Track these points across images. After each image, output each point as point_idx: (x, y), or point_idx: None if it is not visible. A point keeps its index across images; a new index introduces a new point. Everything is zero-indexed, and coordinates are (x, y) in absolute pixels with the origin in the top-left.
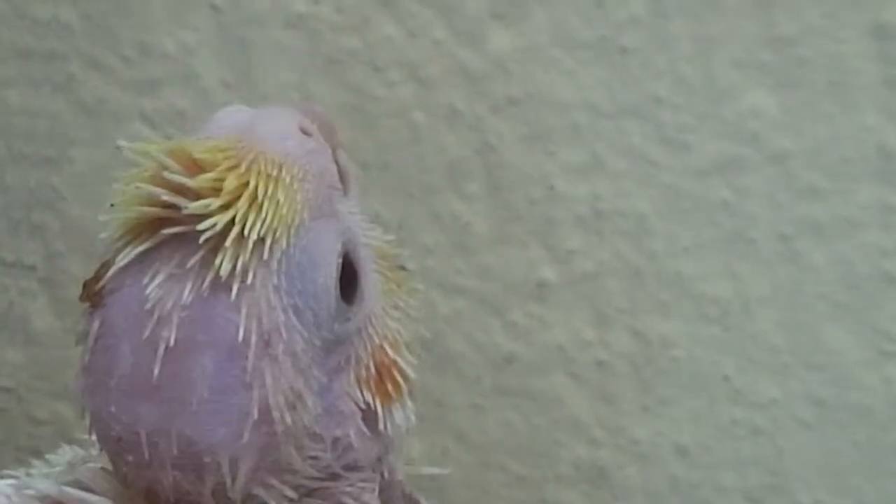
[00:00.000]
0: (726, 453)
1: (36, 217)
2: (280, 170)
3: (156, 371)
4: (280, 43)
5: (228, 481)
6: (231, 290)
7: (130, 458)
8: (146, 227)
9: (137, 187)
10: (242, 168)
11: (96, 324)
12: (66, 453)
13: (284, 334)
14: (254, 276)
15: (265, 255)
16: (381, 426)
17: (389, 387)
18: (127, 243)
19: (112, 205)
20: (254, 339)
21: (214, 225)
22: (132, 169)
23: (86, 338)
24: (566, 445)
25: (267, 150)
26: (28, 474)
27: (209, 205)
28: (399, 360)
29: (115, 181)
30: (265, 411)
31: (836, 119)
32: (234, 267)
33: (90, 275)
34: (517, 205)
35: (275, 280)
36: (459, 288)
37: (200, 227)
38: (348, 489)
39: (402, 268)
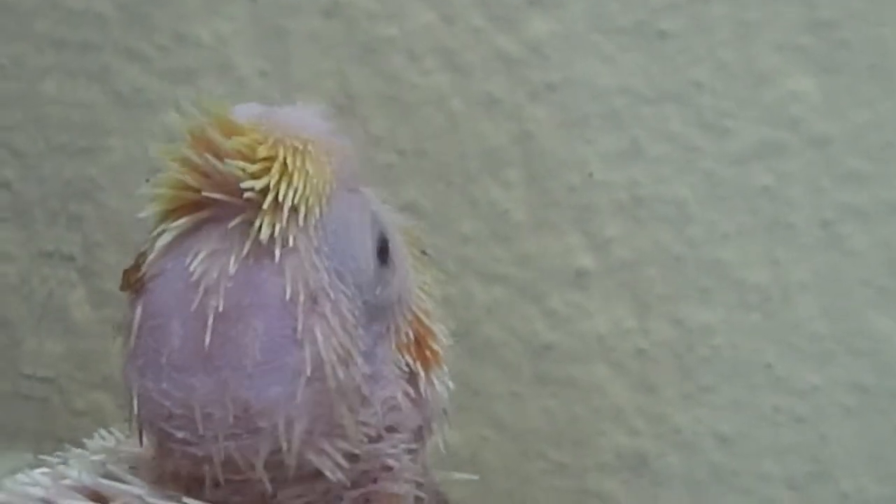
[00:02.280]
0: (768, 441)
1: (73, 207)
2: (306, 144)
3: (207, 340)
4: (316, 31)
5: (284, 444)
6: (273, 254)
7: (181, 436)
8: (183, 209)
9: (176, 161)
10: (270, 142)
11: (139, 309)
12: (102, 439)
13: (331, 294)
14: (294, 241)
15: (301, 222)
16: (422, 391)
17: (428, 353)
18: (165, 226)
19: (147, 180)
20: (301, 297)
21: (252, 188)
22: (167, 150)
23: (129, 326)
24: (607, 434)
25: (290, 129)
26: (64, 462)
27: (245, 168)
28: (434, 328)
29: (151, 170)
30: (317, 367)
31: (878, 103)
32: (274, 232)
33: (129, 264)
34: (556, 192)
35: (315, 243)
36: (498, 276)
37: (244, 185)
38: (391, 451)
39: (424, 253)
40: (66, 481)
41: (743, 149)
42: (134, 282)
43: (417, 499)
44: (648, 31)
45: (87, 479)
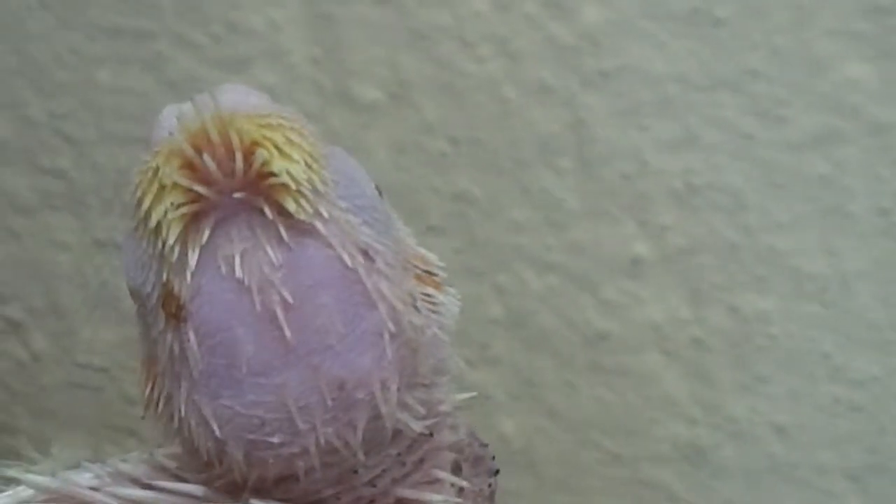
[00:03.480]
0: (826, 432)
1: (127, 196)
2: (270, 119)
3: (287, 333)
4: (368, 18)
5: (383, 409)
6: (312, 230)
7: (276, 440)
8: (193, 221)
9: (173, 184)
10: (249, 128)
11: (191, 334)
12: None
13: (377, 247)
14: (323, 210)
15: (320, 189)
16: (446, 318)
17: (437, 277)
18: (190, 245)
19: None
20: (358, 260)
21: (279, 172)
22: (142, 182)
23: (183, 354)
24: (662, 424)
25: (247, 113)
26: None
27: (264, 157)
28: (425, 251)
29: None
30: (397, 321)
31: None
32: (305, 209)
33: (158, 300)
34: (609, 180)
35: (340, 205)
36: (552, 264)
37: (275, 168)
38: (441, 395)
39: None
40: (120, 473)
41: (799, 136)
42: (175, 310)
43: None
44: (703, 18)
45: (142, 473)
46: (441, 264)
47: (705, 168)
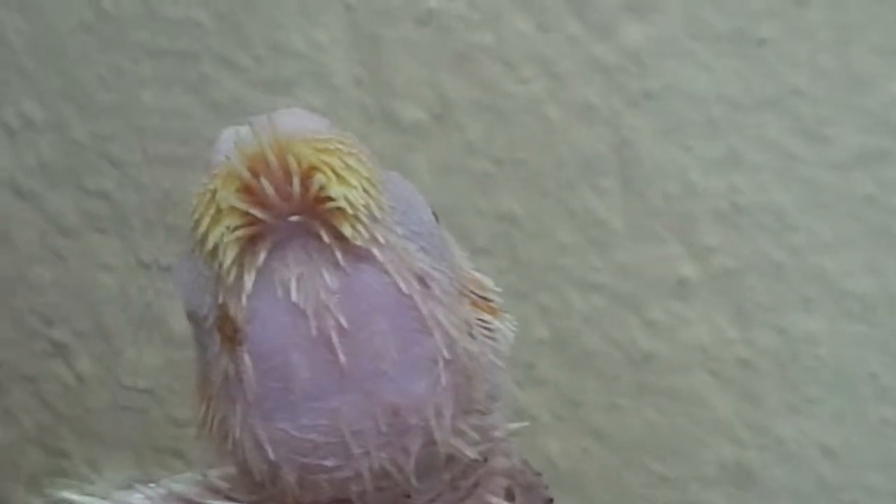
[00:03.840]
0: (875, 453)
1: (171, 217)
2: (328, 144)
3: (341, 358)
4: (411, 39)
5: (437, 435)
6: (368, 255)
7: (330, 463)
8: (249, 245)
9: (230, 208)
10: (303, 154)
11: (246, 357)
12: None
13: (433, 274)
14: (381, 235)
15: (377, 214)
16: (501, 344)
17: (491, 303)
18: (246, 268)
19: (199, 247)
20: (414, 287)
21: (337, 197)
22: (199, 205)
23: (238, 378)
24: (709, 445)
25: (305, 137)
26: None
27: (322, 182)
28: (481, 276)
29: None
30: (451, 348)
31: None
32: (361, 234)
33: (213, 322)
34: (654, 200)
35: (399, 231)
36: (596, 285)
37: (332, 193)
38: (493, 422)
39: None
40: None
41: (844, 156)
42: (231, 333)
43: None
44: (746, 38)
45: (194, 493)
46: (497, 289)
47: (750, 188)
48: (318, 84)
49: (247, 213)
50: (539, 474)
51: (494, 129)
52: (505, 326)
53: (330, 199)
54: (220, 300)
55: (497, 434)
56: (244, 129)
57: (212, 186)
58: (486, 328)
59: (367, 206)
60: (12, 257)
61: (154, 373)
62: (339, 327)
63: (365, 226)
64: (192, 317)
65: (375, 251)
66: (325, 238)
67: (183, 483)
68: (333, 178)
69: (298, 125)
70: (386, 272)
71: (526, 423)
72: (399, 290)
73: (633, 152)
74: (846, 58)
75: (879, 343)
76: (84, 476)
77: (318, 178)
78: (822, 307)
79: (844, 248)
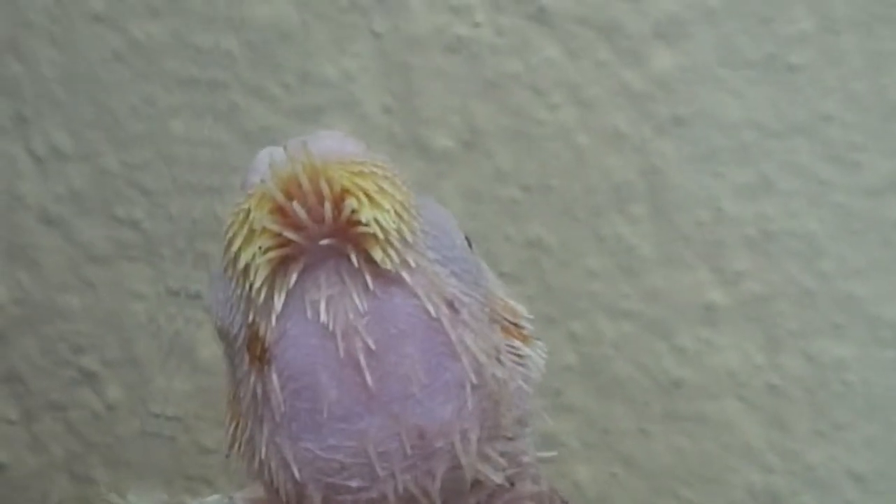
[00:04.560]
0: None
1: (200, 245)
2: (363, 167)
3: (368, 380)
4: (441, 67)
5: (463, 459)
6: (398, 280)
7: (355, 484)
8: (281, 266)
9: (263, 229)
10: (336, 178)
11: (274, 377)
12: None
13: (463, 299)
14: (412, 259)
15: (408, 239)
16: (532, 371)
17: (523, 330)
18: (276, 289)
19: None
20: (443, 311)
21: (368, 222)
22: (233, 224)
23: (266, 397)
24: (738, 471)
25: (340, 160)
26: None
27: (353, 206)
28: (515, 303)
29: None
30: (479, 373)
31: None
32: (391, 258)
33: (243, 341)
34: (684, 227)
35: (430, 255)
36: (626, 312)
37: (364, 217)
38: (524, 445)
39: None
40: None
41: (875, 182)
42: (260, 353)
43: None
44: (777, 64)
45: None
46: (529, 316)
47: (781, 214)
48: (347, 112)
49: (279, 235)
50: (566, 502)
51: (523, 156)
52: (536, 353)
53: (362, 222)
54: (250, 320)
55: (525, 459)
56: (279, 151)
57: (246, 206)
58: (516, 354)
59: (398, 231)
60: (42, 285)
61: (183, 400)
62: (368, 349)
63: (396, 250)
64: (222, 334)
65: (405, 275)
66: (356, 261)
67: None
68: (366, 201)
69: (334, 148)
70: (415, 296)
71: (555, 453)
72: (428, 314)
73: (662, 179)
74: (877, 84)
75: None
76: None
77: (351, 202)
78: (851, 333)
79: (875, 274)
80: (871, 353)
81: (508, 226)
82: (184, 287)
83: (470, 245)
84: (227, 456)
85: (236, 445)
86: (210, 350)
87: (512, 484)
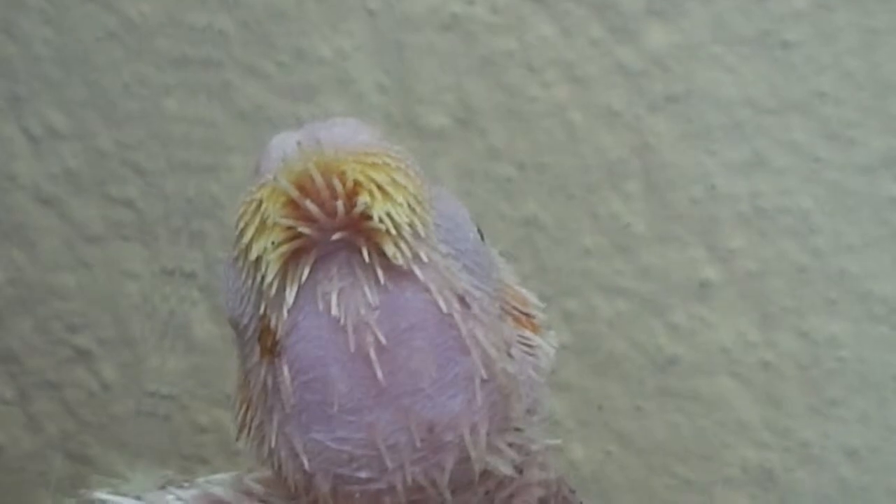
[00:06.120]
0: None
1: (195, 225)
2: (376, 158)
3: (378, 374)
4: (435, 45)
5: (472, 452)
6: (410, 273)
7: (364, 475)
8: (293, 258)
9: (274, 223)
10: (349, 171)
11: (285, 368)
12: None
13: (474, 293)
14: (423, 254)
15: (420, 233)
16: (542, 361)
17: (535, 321)
18: (288, 281)
19: (242, 256)
20: (454, 306)
21: (378, 218)
22: (245, 214)
23: (276, 388)
24: (733, 448)
25: (354, 151)
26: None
27: (369, 200)
28: (526, 293)
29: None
30: (489, 367)
31: None
32: (405, 253)
33: (254, 332)
34: (677, 204)
35: (441, 249)
36: (620, 289)
37: (376, 212)
38: (533, 435)
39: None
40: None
41: (868, 159)
42: (271, 345)
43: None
44: (771, 41)
45: (229, 497)
46: (541, 305)
47: (774, 191)
48: (341, 91)
49: (291, 228)
50: (573, 491)
51: (517, 134)
52: (546, 343)
53: (374, 217)
54: (262, 311)
55: (534, 448)
56: (293, 140)
57: (259, 196)
58: (526, 345)
59: (411, 224)
60: (36, 265)
61: (178, 379)
62: (378, 343)
63: (408, 244)
64: (233, 324)
65: (417, 269)
66: (367, 255)
67: (218, 485)
68: (379, 195)
69: (347, 137)
70: (427, 290)
71: (557, 441)
72: (439, 308)
73: (656, 156)
74: (871, 61)
75: None
76: (119, 475)
77: (363, 197)
78: (845, 310)
79: (868, 250)
80: (865, 330)
81: (503, 204)
82: (178, 266)
83: (482, 236)
84: (237, 440)
85: (246, 430)
86: (205, 329)
87: (520, 472)
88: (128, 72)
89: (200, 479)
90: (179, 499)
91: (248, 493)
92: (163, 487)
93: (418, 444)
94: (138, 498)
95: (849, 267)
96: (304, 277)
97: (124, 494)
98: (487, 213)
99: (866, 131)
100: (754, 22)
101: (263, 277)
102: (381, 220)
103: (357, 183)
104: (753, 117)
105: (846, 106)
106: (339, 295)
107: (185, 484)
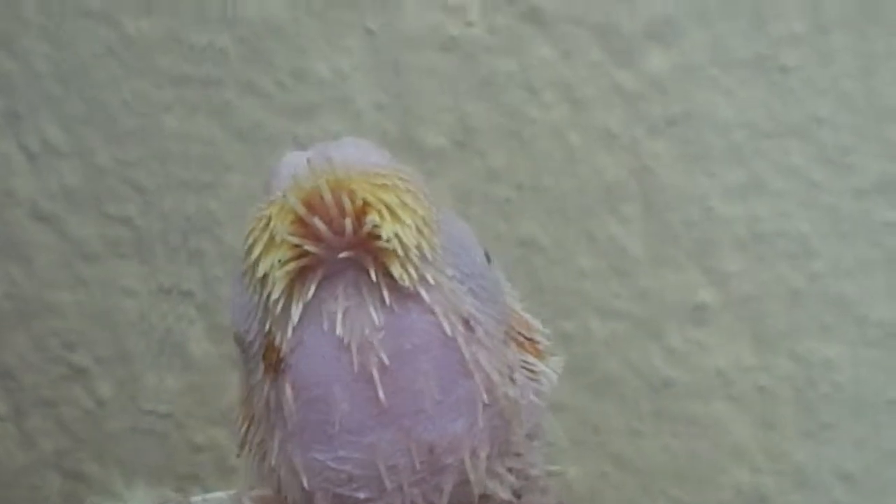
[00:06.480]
0: (892, 479)
1: (193, 243)
2: (386, 180)
3: (381, 394)
4: (433, 66)
5: (471, 475)
6: (416, 296)
7: (363, 496)
8: (300, 276)
9: (282, 240)
10: (358, 191)
11: (288, 386)
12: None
13: (479, 317)
14: (430, 276)
15: (428, 255)
16: (544, 386)
17: (539, 346)
18: (294, 298)
19: (250, 274)
20: (458, 329)
21: (388, 237)
22: (254, 230)
23: (278, 405)
24: (727, 471)
25: (364, 171)
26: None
27: (378, 220)
28: (530, 318)
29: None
30: (491, 392)
31: None
32: (411, 274)
33: (259, 349)
34: (674, 226)
35: (448, 272)
36: (616, 311)
37: (384, 233)
38: (533, 459)
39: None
40: None
41: (865, 184)
42: (275, 362)
43: None
44: (769, 65)
45: None
46: (545, 331)
47: (771, 214)
48: (340, 110)
49: (299, 246)
50: None
51: (516, 155)
52: (550, 368)
53: (382, 237)
54: (267, 328)
55: (534, 473)
56: (303, 159)
57: (268, 213)
58: (529, 370)
59: (418, 247)
60: (33, 281)
61: (174, 397)
62: (381, 364)
63: (415, 266)
64: (238, 339)
65: (423, 292)
66: (374, 275)
67: (215, 503)
68: (387, 215)
69: (358, 157)
70: (432, 313)
71: (560, 469)
72: (443, 331)
73: (654, 179)
74: (869, 85)
75: None
76: (115, 493)
77: (372, 217)
78: (840, 334)
79: (864, 274)
80: (860, 353)
81: (500, 225)
82: (176, 284)
83: (489, 260)
84: (238, 456)
85: (247, 447)
86: (202, 347)
87: (519, 497)
88: (127, 89)
89: (197, 498)
90: None
91: None
92: None
93: (418, 466)
94: None
95: (844, 291)
96: (310, 295)
97: None
98: (485, 234)
99: (862, 156)
100: (752, 45)
101: (270, 294)
102: (388, 241)
103: (366, 203)
104: (751, 141)
105: (843, 130)
106: (344, 314)
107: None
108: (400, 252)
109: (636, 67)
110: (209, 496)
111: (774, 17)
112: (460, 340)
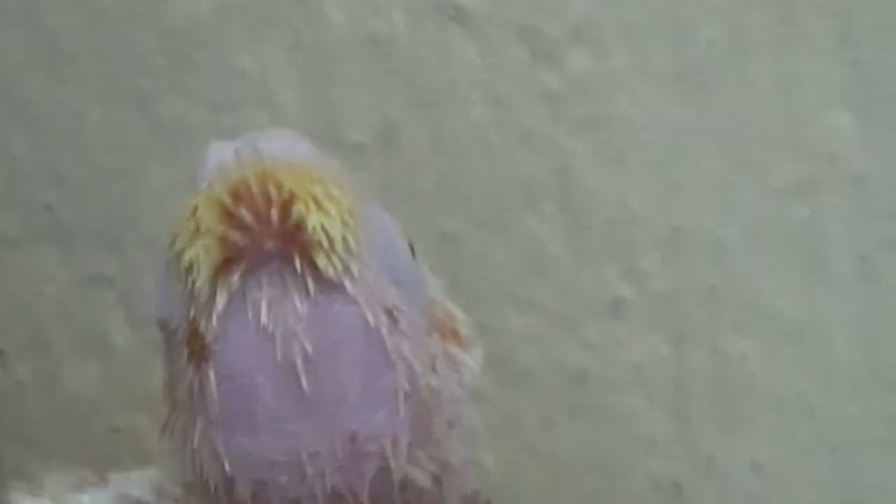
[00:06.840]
0: (803, 470)
1: (114, 231)
2: (313, 172)
3: (304, 384)
4: (357, 62)
5: (392, 463)
6: (340, 286)
7: (285, 480)
8: (224, 266)
9: (207, 230)
10: (285, 182)
11: (211, 374)
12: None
13: (402, 308)
14: (354, 267)
15: (353, 247)
16: (466, 376)
17: (461, 335)
18: (219, 287)
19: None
20: (382, 320)
21: (311, 229)
22: (180, 219)
23: (201, 393)
24: (641, 462)
25: (290, 163)
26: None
27: (301, 212)
28: (454, 309)
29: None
30: (413, 381)
31: None
32: (336, 266)
33: (183, 335)
34: (593, 224)
35: (372, 265)
36: (534, 304)
37: (310, 224)
38: (453, 447)
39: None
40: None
41: (780, 184)
42: (199, 349)
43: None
44: (689, 71)
45: (147, 499)
46: (468, 322)
47: (687, 214)
48: (262, 103)
49: (224, 235)
50: (489, 502)
51: (437, 152)
52: (471, 359)
53: (308, 228)
54: (191, 316)
55: (453, 460)
56: (229, 150)
57: (194, 202)
58: (451, 360)
59: (343, 238)
60: None
61: (93, 382)
62: (305, 354)
63: (339, 258)
64: (162, 326)
65: (347, 283)
66: (299, 266)
67: (135, 485)
68: (313, 207)
69: (285, 149)
70: (356, 304)
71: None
72: (367, 322)
73: (573, 177)
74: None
75: (809, 364)
76: (36, 476)
77: (298, 208)
78: (754, 329)
79: (778, 272)
80: (773, 349)
81: (421, 219)
82: (97, 272)
83: (413, 252)
84: (159, 439)
85: (169, 431)
86: (122, 335)
87: (439, 483)
88: (48, 78)
89: (116, 478)
90: (95, 500)
91: (167, 496)
92: (78, 488)
93: (340, 454)
94: (54, 499)
95: (759, 288)
96: (234, 285)
97: (39, 495)
98: (406, 228)
99: (777, 157)
100: (674, 49)
101: (194, 283)
102: (314, 232)
103: (293, 193)
104: (669, 142)
105: (758, 131)
106: (268, 304)
107: (102, 484)
108: (325, 243)
109: (559, 68)
110: (129, 475)
111: (696, 25)
112: (384, 331)
